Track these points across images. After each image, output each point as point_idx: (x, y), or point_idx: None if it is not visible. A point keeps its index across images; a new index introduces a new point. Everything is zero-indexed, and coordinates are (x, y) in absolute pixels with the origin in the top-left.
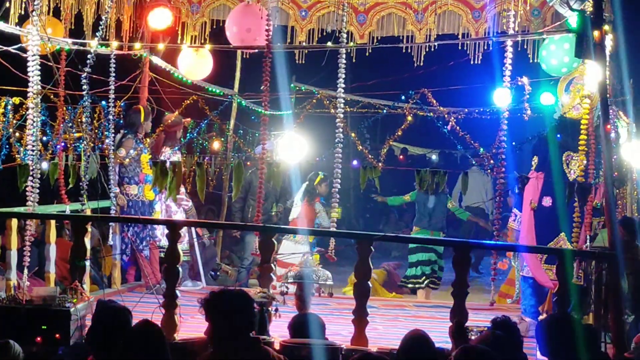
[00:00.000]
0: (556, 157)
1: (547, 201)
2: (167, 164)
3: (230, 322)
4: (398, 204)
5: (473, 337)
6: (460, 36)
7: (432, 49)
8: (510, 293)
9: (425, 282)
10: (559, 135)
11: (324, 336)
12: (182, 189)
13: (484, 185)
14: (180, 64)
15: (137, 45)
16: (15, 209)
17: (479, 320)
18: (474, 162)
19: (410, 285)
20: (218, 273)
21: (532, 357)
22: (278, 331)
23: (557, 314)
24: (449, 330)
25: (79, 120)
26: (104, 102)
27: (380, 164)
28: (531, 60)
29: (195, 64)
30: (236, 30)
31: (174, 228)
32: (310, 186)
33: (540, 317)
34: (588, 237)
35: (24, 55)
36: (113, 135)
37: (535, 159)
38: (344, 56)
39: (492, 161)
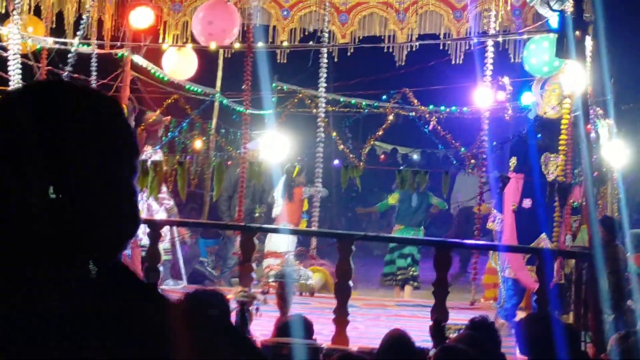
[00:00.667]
0: (535, 159)
1: (527, 203)
2: (148, 163)
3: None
4: (386, 208)
5: (452, 336)
6: (441, 36)
7: (414, 49)
8: (492, 282)
9: (401, 277)
10: (539, 135)
11: (311, 337)
12: (164, 188)
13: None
14: (165, 63)
15: (119, 44)
16: None
17: (459, 319)
18: (455, 162)
19: (388, 282)
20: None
21: (510, 356)
22: (259, 330)
23: (538, 312)
24: (429, 329)
25: None
26: None
27: (361, 164)
28: (512, 60)
29: (180, 64)
30: (199, 23)
31: (154, 227)
32: (288, 179)
33: (519, 316)
34: (569, 236)
35: (5, 54)
36: None
37: (514, 160)
38: (325, 56)
39: (473, 160)
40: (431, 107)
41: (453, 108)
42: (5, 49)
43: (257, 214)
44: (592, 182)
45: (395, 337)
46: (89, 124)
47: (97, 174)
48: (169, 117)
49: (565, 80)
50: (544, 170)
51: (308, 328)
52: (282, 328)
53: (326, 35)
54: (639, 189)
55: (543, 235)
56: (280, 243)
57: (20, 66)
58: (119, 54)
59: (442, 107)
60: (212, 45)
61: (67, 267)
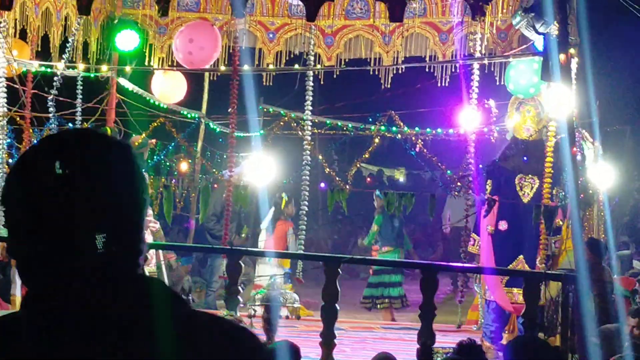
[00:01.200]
0: (510, 181)
1: (502, 225)
2: None
3: None
4: (373, 238)
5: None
6: (427, 58)
7: (400, 71)
8: (475, 319)
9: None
10: (525, 158)
11: None
12: (150, 211)
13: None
14: (154, 87)
15: (104, 67)
16: None
17: (446, 342)
18: (440, 184)
19: (368, 305)
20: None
21: None
22: None
23: (524, 335)
24: (416, 352)
25: None
26: (70, 124)
27: (347, 186)
28: (498, 83)
29: (169, 87)
30: (180, 43)
31: None
32: (277, 212)
33: (505, 339)
34: (545, 256)
35: None
36: None
37: (490, 183)
38: (311, 78)
39: (459, 183)
40: (417, 129)
41: (439, 130)
42: None
43: (243, 235)
44: (578, 204)
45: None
46: (124, 172)
47: (132, 220)
48: (154, 140)
49: (548, 102)
50: (519, 192)
51: (295, 353)
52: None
53: (312, 58)
54: (625, 211)
55: (520, 257)
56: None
57: (5, 89)
58: (105, 77)
59: (428, 130)
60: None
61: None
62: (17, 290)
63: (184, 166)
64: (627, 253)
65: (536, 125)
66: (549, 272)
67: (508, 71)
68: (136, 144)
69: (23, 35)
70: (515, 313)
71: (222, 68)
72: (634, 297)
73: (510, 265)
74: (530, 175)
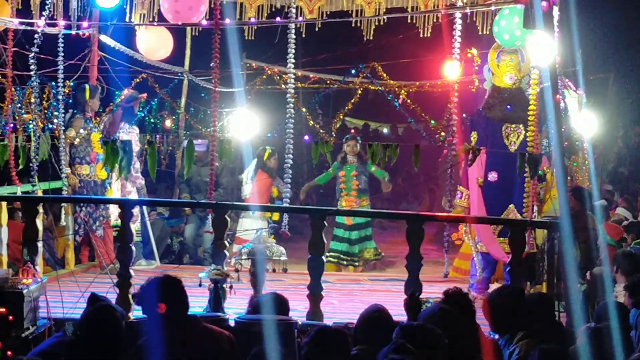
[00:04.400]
0: (497, 131)
1: (492, 176)
2: (118, 143)
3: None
4: (327, 180)
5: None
6: (409, 9)
7: (382, 23)
8: (463, 267)
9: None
10: (508, 107)
11: (287, 314)
12: (137, 165)
13: None
14: (139, 44)
15: (85, 24)
16: None
17: (433, 292)
18: (424, 134)
19: (334, 260)
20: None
21: (485, 327)
22: (233, 308)
23: (507, 285)
24: (404, 303)
25: (28, 101)
26: (53, 82)
27: (332, 139)
28: (480, 32)
29: (155, 44)
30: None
31: (126, 207)
32: (259, 163)
33: (492, 288)
34: (536, 207)
35: None
36: (63, 115)
37: (474, 135)
38: (293, 32)
39: (442, 133)
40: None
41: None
42: None
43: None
44: (562, 152)
45: (374, 312)
46: None
47: None
48: (145, 94)
49: (531, 50)
50: (506, 141)
51: (283, 305)
52: (257, 306)
53: (293, 10)
54: (609, 159)
55: (511, 207)
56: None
57: None
58: (87, 34)
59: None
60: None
61: None
62: (4, 249)
63: (168, 122)
64: (604, 204)
65: (518, 73)
66: (535, 219)
67: (499, 22)
68: (126, 96)
69: None
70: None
71: (204, 22)
72: (620, 246)
73: (502, 216)
74: (515, 124)
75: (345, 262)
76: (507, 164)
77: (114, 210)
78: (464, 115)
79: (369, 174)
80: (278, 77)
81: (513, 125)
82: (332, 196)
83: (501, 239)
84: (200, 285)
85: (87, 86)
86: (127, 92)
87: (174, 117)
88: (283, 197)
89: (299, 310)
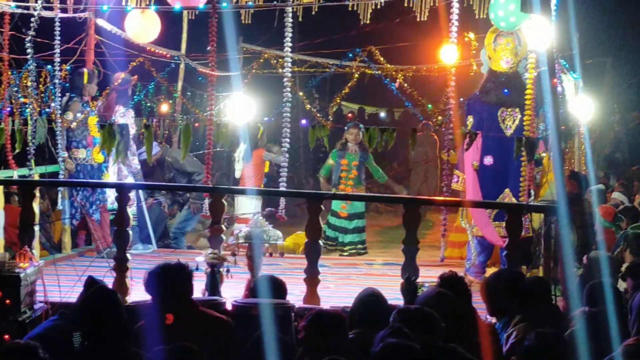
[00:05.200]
0: (493, 115)
1: (488, 160)
2: (114, 127)
3: (162, 295)
4: (329, 171)
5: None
6: None
7: (379, 6)
8: (459, 240)
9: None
10: (506, 90)
11: (284, 297)
12: (133, 148)
13: None
14: (127, 26)
15: (82, 7)
16: None
17: (429, 276)
18: (422, 119)
19: (331, 247)
20: None
21: (481, 311)
22: (230, 292)
23: (505, 269)
24: (400, 287)
25: (25, 84)
26: (49, 66)
27: (329, 123)
28: (477, 17)
29: (142, 26)
30: None
31: (123, 191)
32: (251, 141)
33: (488, 272)
34: (532, 191)
35: None
36: (60, 99)
37: (470, 119)
38: (290, 15)
39: (440, 117)
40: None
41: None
42: None
43: None
44: (559, 136)
45: (368, 295)
46: None
47: None
48: (136, 77)
49: (528, 34)
50: (502, 125)
51: (280, 288)
52: (254, 289)
53: None
54: (605, 143)
55: (507, 191)
56: (247, 207)
57: None
58: (83, 17)
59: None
60: (177, 6)
61: None
62: (0, 234)
63: (164, 108)
64: (601, 188)
65: (515, 57)
66: (532, 203)
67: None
68: (119, 80)
69: None
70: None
71: (201, 6)
72: (617, 227)
73: (498, 199)
74: (512, 108)
75: (332, 248)
76: (503, 148)
77: (110, 194)
78: (461, 99)
79: (365, 166)
80: (275, 61)
81: (509, 109)
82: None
83: (496, 222)
84: (197, 269)
85: (85, 70)
86: (121, 76)
87: (170, 101)
88: (279, 181)
89: (295, 294)
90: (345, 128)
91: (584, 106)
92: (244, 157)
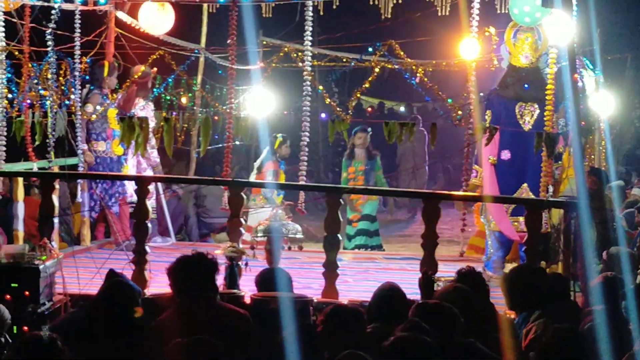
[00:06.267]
0: (510, 110)
1: (505, 154)
2: (134, 120)
3: (187, 287)
4: (346, 183)
5: (440, 287)
6: None
7: (400, 0)
8: (480, 245)
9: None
10: (526, 86)
11: (291, 290)
12: (153, 141)
13: None
14: (141, 18)
15: (102, 0)
16: None
17: (448, 271)
18: (442, 114)
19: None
20: None
21: (499, 307)
22: (249, 285)
23: (526, 264)
24: (418, 282)
25: (45, 77)
26: (69, 59)
27: (348, 117)
28: (498, 11)
29: (156, 18)
30: None
31: (142, 184)
32: (270, 152)
33: (507, 268)
34: (551, 187)
35: None
36: (80, 91)
37: (489, 114)
38: (310, 9)
39: (459, 112)
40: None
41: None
42: None
43: None
44: (579, 131)
45: (388, 290)
46: None
47: None
48: (155, 69)
49: (549, 29)
50: (520, 120)
51: (288, 281)
52: (262, 283)
53: None
54: (625, 139)
55: (525, 186)
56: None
57: (3, 24)
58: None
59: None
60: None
61: None
62: (20, 225)
63: (184, 100)
64: (621, 184)
65: (534, 52)
66: (551, 199)
67: (511, 9)
68: (139, 73)
69: None
70: (522, 242)
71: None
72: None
73: (515, 194)
74: (530, 103)
75: None
76: (520, 143)
77: (129, 187)
78: (481, 94)
79: (374, 174)
80: (295, 55)
81: (527, 104)
82: None
83: (513, 217)
84: None
85: (106, 63)
86: (141, 68)
87: (190, 95)
88: (299, 175)
89: (314, 288)
90: (352, 133)
91: (604, 102)
92: (259, 169)
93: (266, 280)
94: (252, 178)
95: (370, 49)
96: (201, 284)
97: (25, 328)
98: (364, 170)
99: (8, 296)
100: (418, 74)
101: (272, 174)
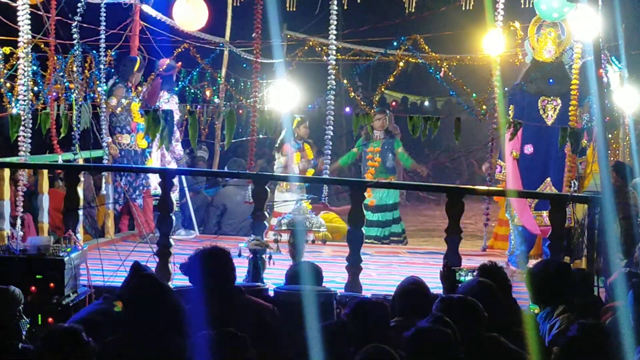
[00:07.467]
0: (533, 104)
1: (528, 149)
2: (159, 113)
3: (208, 281)
4: (352, 159)
5: (462, 278)
6: None
7: None
8: (501, 233)
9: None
10: (551, 80)
11: (321, 283)
12: (177, 134)
13: None
14: (176, 14)
15: None
16: (8, 159)
17: (471, 266)
18: (466, 108)
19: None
20: None
21: (521, 302)
22: (272, 278)
23: (551, 258)
24: (440, 273)
25: (70, 69)
26: (95, 52)
27: (372, 110)
28: (522, 6)
29: (190, 14)
30: None
31: (166, 177)
32: (289, 132)
33: (531, 263)
34: (575, 181)
35: (14, 4)
36: (105, 84)
37: (512, 108)
38: (335, 3)
39: (484, 107)
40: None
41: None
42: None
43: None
44: (604, 126)
45: (412, 284)
46: None
47: None
48: (180, 63)
49: (573, 24)
50: (543, 114)
51: (317, 274)
52: (291, 275)
53: None
54: None
55: (548, 180)
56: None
57: (29, 16)
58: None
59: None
60: None
61: None
62: (45, 217)
63: (208, 93)
64: None
65: (557, 47)
66: (575, 194)
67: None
68: (164, 66)
69: None
70: (544, 236)
71: None
72: None
73: (538, 189)
74: (552, 97)
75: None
76: (543, 137)
77: (153, 180)
78: (505, 88)
79: (394, 152)
80: (319, 49)
81: (550, 98)
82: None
83: (537, 212)
84: (239, 255)
85: (137, 58)
86: (166, 62)
87: (214, 88)
88: (323, 169)
89: (337, 282)
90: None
91: (629, 97)
92: (277, 149)
93: (296, 274)
94: (277, 159)
95: (394, 43)
96: (224, 277)
97: (50, 320)
98: (380, 151)
99: (33, 288)
100: (443, 68)
101: (294, 147)
